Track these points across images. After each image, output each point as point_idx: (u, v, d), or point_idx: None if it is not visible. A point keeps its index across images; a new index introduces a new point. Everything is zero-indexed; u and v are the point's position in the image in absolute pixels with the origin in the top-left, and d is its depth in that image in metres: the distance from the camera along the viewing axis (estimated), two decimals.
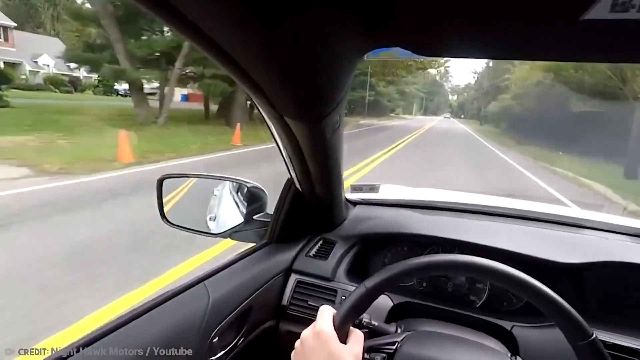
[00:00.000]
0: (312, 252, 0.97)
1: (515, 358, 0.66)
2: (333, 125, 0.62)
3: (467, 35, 0.39)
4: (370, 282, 0.56)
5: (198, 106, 16.32)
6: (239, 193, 0.98)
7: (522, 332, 0.79)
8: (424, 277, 0.91)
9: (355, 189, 1.20)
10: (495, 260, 0.57)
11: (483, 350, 0.65)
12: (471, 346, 0.66)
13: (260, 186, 0.96)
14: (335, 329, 0.54)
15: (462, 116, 73.66)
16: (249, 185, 0.93)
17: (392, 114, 51.39)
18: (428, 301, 0.89)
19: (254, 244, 0.94)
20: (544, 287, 0.51)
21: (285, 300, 0.89)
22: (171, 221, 0.91)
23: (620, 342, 0.73)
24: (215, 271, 0.78)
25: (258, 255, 0.90)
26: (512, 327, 0.80)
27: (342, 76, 0.50)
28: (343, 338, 0.54)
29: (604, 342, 0.71)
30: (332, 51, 0.43)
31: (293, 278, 0.92)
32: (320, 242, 1.01)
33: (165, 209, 0.92)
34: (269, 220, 0.95)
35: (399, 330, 0.69)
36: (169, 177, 0.93)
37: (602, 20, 0.32)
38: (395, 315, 0.86)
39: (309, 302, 0.83)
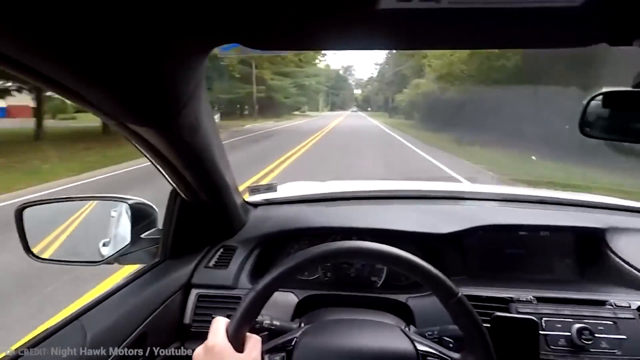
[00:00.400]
0: (212, 263, 0.96)
1: (409, 327, 0.79)
2: (190, 128, 0.61)
3: (286, 28, 0.41)
4: (258, 285, 0.58)
5: (21, 123, 10.56)
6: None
7: (416, 302, 0.89)
8: (311, 268, 0.95)
9: (254, 190, 1.23)
10: (388, 240, 0.70)
11: (376, 328, 0.72)
12: (366, 326, 0.72)
13: (147, 202, 0.93)
14: (229, 339, 0.55)
15: (369, 109, 76.17)
16: (130, 202, 0.90)
17: (297, 112, 48.32)
18: (333, 290, 0.95)
19: (144, 265, 0.89)
20: (413, 257, 0.60)
21: (187, 319, 0.86)
22: (39, 255, 0.84)
23: (493, 294, 0.87)
24: (95, 303, 0.72)
25: (150, 276, 0.86)
26: (407, 299, 0.90)
27: (182, 76, 0.50)
28: (239, 346, 0.55)
29: (479, 296, 0.86)
30: (159, 51, 0.43)
31: (194, 293, 0.90)
32: (221, 250, 1.00)
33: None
34: (160, 236, 0.93)
35: (302, 325, 0.74)
36: (31, 205, 0.85)
37: (393, 10, 0.36)
38: (302, 310, 0.90)
39: (214, 316, 0.74)
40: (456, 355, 0.64)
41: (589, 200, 1.21)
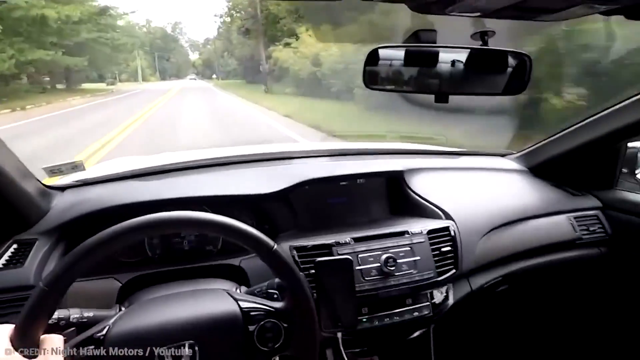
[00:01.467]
0: (1, 263, 0.89)
1: (240, 288, 0.89)
2: None
3: None
4: (47, 279, 0.57)
5: None
6: None
7: (248, 263, 1.01)
8: (110, 250, 0.77)
9: (54, 171, 1.11)
10: (218, 206, 0.88)
11: (198, 296, 0.77)
12: (187, 296, 0.77)
13: None
14: (15, 347, 0.52)
15: (214, 76, 58.10)
16: None
17: (90, 85, 27.02)
18: (164, 267, 0.98)
19: None
20: (223, 219, 0.66)
21: None
22: None
23: (318, 242, 1.03)
24: None
25: None
26: (240, 262, 1.01)
27: None
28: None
29: (305, 246, 1.01)
30: None
31: None
32: (14, 246, 0.93)
33: None
34: None
35: (122, 310, 0.75)
36: None
37: None
38: (129, 294, 0.90)
39: (10, 322, 0.67)
40: (278, 304, 0.74)
41: (394, 148, 1.63)
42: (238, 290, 0.88)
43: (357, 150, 1.58)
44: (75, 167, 1.12)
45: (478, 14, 0.56)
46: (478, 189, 1.38)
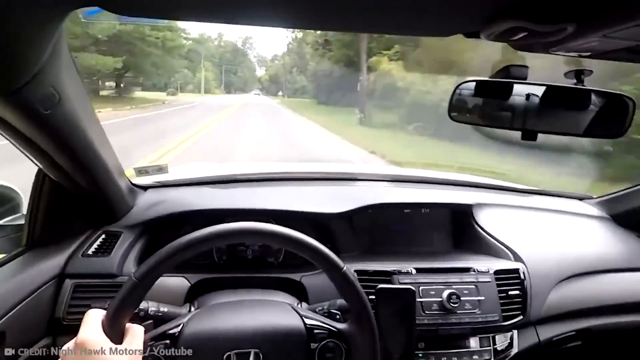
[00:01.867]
0: (92, 250, 0.97)
1: (301, 304, 0.92)
2: (46, 99, 0.60)
3: None
4: (138, 273, 0.61)
5: None
6: None
7: (309, 280, 1.02)
8: (196, 252, 0.77)
9: (141, 172, 1.20)
10: (284, 221, 0.85)
11: (265, 307, 0.81)
12: (256, 305, 0.81)
13: (6, 184, 0.95)
14: (105, 331, 0.56)
15: (280, 93, 57.80)
16: None
17: (139, 94, 22.25)
18: (228, 273, 1.04)
19: (3, 256, 0.88)
20: (301, 235, 0.69)
21: (60, 312, 0.86)
22: None
23: (379, 267, 1.03)
24: None
25: (10, 268, 0.84)
26: (301, 278, 1.02)
27: (30, 40, 0.48)
28: (118, 338, 0.57)
29: (366, 270, 1.01)
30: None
31: (69, 284, 0.89)
32: (102, 236, 1.01)
33: None
34: (24, 223, 0.93)
35: (192, 310, 0.83)
36: None
37: None
38: (196, 295, 0.95)
39: (93, 306, 0.70)
40: (341, 325, 0.74)
41: (462, 180, 1.55)
42: (300, 306, 0.89)
43: (422, 178, 1.54)
44: (160, 169, 1.22)
45: (587, 54, 0.54)
46: (553, 232, 1.29)
